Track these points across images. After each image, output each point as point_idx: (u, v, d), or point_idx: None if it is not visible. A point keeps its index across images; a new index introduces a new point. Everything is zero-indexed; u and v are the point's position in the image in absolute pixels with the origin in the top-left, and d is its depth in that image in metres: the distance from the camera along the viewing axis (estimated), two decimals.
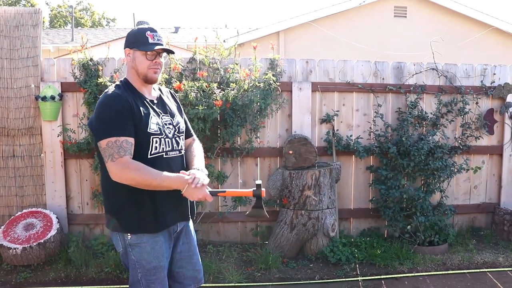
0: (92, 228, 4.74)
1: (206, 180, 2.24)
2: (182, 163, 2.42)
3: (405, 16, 10.21)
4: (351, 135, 5.00)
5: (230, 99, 4.23)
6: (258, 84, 4.43)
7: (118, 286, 3.87)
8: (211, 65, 4.50)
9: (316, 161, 4.67)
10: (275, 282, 4.05)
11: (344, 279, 4.12)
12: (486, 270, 4.33)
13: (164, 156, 2.29)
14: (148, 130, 2.21)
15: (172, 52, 2.37)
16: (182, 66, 4.49)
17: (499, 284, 4.01)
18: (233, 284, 3.96)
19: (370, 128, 5.04)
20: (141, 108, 2.23)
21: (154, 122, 2.25)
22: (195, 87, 4.22)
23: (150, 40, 2.24)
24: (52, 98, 4.40)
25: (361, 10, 10.19)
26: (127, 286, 3.79)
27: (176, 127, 2.40)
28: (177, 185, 2.17)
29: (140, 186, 2.12)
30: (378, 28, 10.06)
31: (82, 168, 4.63)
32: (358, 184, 5.13)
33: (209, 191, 2.24)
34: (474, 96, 5.10)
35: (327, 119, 4.96)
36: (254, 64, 4.48)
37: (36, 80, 4.50)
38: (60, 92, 4.47)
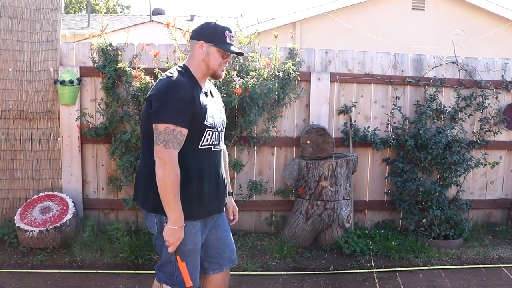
0: (107, 214, 4.76)
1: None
2: (221, 157, 2.48)
3: (423, 9, 10.08)
4: (368, 127, 4.96)
5: (250, 87, 4.21)
6: (277, 73, 4.41)
7: (133, 272, 3.90)
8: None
9: (333, 151, 4.65)
10: (289, 271, 4.05)
11: (358, 271, 4.11)
12: (502, 265, 4.30)
13: (212, 149, 2.35)
14: (205, 123, 2.26)
15: (242, 54, 2.43)
16: None
17: None
18: (248, 273, 3.97)
19: (388, 120, 4.99)
20: (201, 99, 2.26)
21: (211, 115, 2.30)
22: None
23: (228, 40, 2.30)
24: (71, 82, 4.40)
25: (378, 2, 10.07)
26: (142, 271, 3.86)
27: (223, 122, 2.46)
28: (174, 218, 2.17)
29: (160, 185, 2.14)
30: (395, 20, 9.94)
31: (98, 153, 4.65)
32: (374, 176, 5.10)
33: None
34: (494, 90, 5.04)
35: (344, 110, 4.93)
36: (275, 53, 4.44)
37: (55, 64, 4.50)
38: (78, 76, 4.47)
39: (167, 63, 4.22)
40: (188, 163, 2.26)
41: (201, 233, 2.41)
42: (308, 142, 4.56)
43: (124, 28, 6.19)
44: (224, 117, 2.50)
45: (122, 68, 4.23)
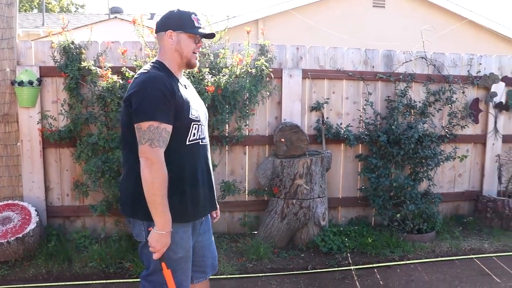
0: (72, 221, 4.50)
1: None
2: (209, 151, 2.37)
3: (384, 6, 10.24)
4: (341, 123, 4.94)
5: (222, 85, 4.08)
6: (250, 70, 4.30)
7: (105, 281, 3.69)
8: (200, 50, 4.32)
9: (307, 149, 4.59)
10: (267, 273, 3.97)
11: (337, 269, 4.08)
12: (473, 256, 4.39)
13: (200, 143, 2.23)
14: (190, 116, 2.13)
15: (214, 35, 2.29)
16: None
17: (486, 270, 4.07)
18: (225, 276, 3.85)
19: (360, 116, 4.99)
20: (182, 92, 2.14)
21: (195, 108, 2.18)
22: (186, 71, 4.05)
23: (196, 24, 2.18)
24: (30, 83, 4.12)
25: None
26: (115, 280, 3.67)
27: (205, 115, 2.35)
28: (162, 223, 2.04)
29: (147, 187, 2.00)
30: (357, 17, 10.05)
31: (62, 158, 4.38)
32: (347, 172, 5.09)
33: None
34: (461, 85, 5.13)
35: (317, 107, 4.88)
36: (247, 50, 4.33)
37: (11, 64, 4.20)
38: (38, 76, 4.20)
39: (135, 61, 4.02)
40: (178, 160, 2.14)
41: (192, 236, 2.29)
42: (283, 140, 4.48)
43: (86, 25, 5.89)
44: (205, 109, 2.38)
45: (87, 67, 3.99)
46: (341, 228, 4.77)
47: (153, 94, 2.02)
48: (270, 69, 4.48)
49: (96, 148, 4.01)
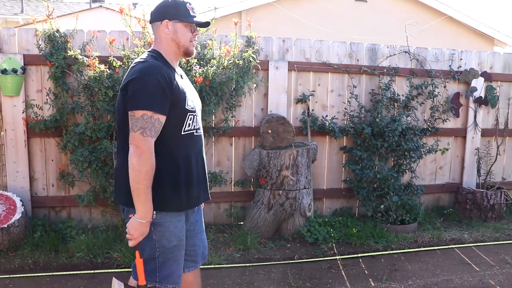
0: (58, 211, 4.46)
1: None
2: (203, 142, 2.38)
3: (366, 1, 10.34)
4: (326, 116, 5.00)
5: (210, 76, 4.08)
6: (237, 62, 4.31)
7: (92, 272, 3.68)
8: None
9: (293, 141, 4.64)
10: (255, 262, 4.01)
11: (323, 258, 4.15)
12: (454, 246, 4.53)
13: (195, 133, 2.23)
14: (186, 107, 2.13)
15: (209, 24, 2.29)
16: None
17: (466, 259, 4.21)
18: (213, 266, 3.88)
19: (345, 109, 5.06)
20: (178, 82, 2.13)
21: (190, 99, 2.18)
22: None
23: (191, 13, 2.18)
24: (14, 71, 4.04)
25: None
26: (102, 271, 3.66)
27: (199, 105, 2.35)
28: (144, 211, 2.05)
29: (133, 174, 2.01)
30: (339, 11, 10.14)
31: (47, 148, 4.32)
32: (331, 164, 5.17)
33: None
34: (443, 79, 5.26)
35: (302, 99, 4.93)
36: (234, 41, 4.34)
37: None
38: (22, 65, 4.12)
39: (123, 50, 3.98)
40: (173, 150, 2.15)
41: (185, 224, 2.31)
42: (269, 131, 4.52)
43: (69, 14, 5.78)
44: (199, 100, 2.39)
45: (73, 56, 3.94)
46: (326, 219, 4.84)
47: (151, 83, 2.02)
48: (258, 61, 4.50)
49: (82, 138, 3.97)
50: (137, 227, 2.07)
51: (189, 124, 2.19)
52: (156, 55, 2.18)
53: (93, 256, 3.87)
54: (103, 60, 4.06)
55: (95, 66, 3.81)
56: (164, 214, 2.13)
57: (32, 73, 4.22)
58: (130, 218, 2.10)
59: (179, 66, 2.39)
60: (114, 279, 2.23)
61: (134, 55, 3.90)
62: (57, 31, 4.11)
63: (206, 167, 2.42)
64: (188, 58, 2.31)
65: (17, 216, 3.95)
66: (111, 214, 4.36)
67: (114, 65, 3.94)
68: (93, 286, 3.45)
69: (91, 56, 3.93)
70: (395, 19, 10.16)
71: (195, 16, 2.20)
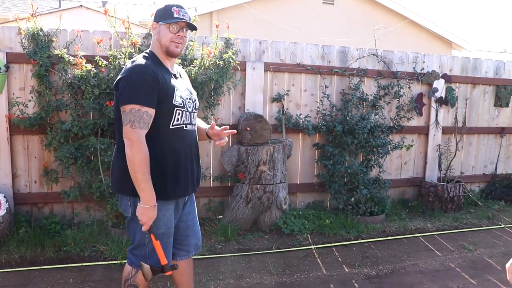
0: (40, 208, 4.52)
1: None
2: (196, 137, 2.55)
3: (333, 3, 10.74)
4: (300, 114, 5.27)
5: (193, 75, 4.26)
6: (218, 62, 4.51)
7: (80, 264, 3.79)
8: None
9: (270, 137, 4.89)
10: (236, 253, 4.23)
11: (299, 248, 4.42)
12: (419, 235, 4.90)
13: (184, 128, 2.40)
14: (173, 102, 2.31)
15: (195, 28, 2.44)
16: (140, 42, 4.41)
17: (430, 246, 4.58)
18: (197, 256, 4.06)
19: (318, 107, 5.35)
20: (167, 80, 2.31)
21: (179, 95, 2.35)
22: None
23: (175, 15, 2.33)
24: None
25: None
26: (90, 263, 3.79)
27: (194, 103, 2.51)
28: (146, 197, 2.23)
29: (129, 164, 2.20)
30: (307, 13, 10.48)
31: (30, 145, 4.38)
32: (305, 160, 5.45)
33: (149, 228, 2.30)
34: (408, 81, 5.64)
35: (278, 98, 5.18)
36: (215, 42, 4.54)
37: None
38: (5, 63, 4.17)
39: (110, 50, 4.10)
40: (162, 143, 2.32)
41: (175, 213, 2.48)
42: (248, 128, 4.74)
43: (51, 12, 5.79)
44: (195, 98, 2.55)
45: (60, 55, 4.03)
46: (300, 212, 5.12)
47: (137, 80, 2.21)
48: (238, 62, 4.72)
49: (68, 135, 4.06)
50: (143, 212, 2.25)
51: (178, 118, 2.36)
52: (148, 55, 2.37)
53: (80, 250, 3.98)
54: (88, 59, 4.16)
55: (82, 65, 3.91)
56: None
57: (15, 71, 4.27)
58: (137, 206, 2.27)
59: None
60: (142, 263, 2.39)
61: (121, 55, 4.03)
62: (41, 30, 4.18)
63: (199, 161, 2.62)
64: (173, 57, 2.44)
65: (2, 212, 4.00)
66: (94, 209, 4.47)
67: (100, 64, 4.06)
68: (83, 278, 3.57)
69: (78, 55, 4.03)
70: (361, 21, 10.64)
71: (178, 18, 2.33)
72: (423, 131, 5.89)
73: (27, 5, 12.80)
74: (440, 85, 5.77)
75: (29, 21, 4.15)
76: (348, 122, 5.14)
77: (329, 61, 5.37)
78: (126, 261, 3.75)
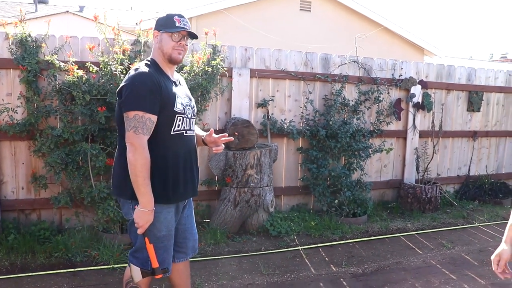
0: (28, 214, 4.49)
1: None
2: (195, 142, 2.64)
3: (310, 11, 10.96)
4: (284, 119, 5.41)
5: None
6: (207, 69, 4.60)
7: (73, 270, 3.80)
8: None
9: (257, 142, 5.00)
10: (226, 255, 4.31)
11: (287, 249, 4.54)
12: (400, 234, 5.10)
13: (184, 134, 2.48)
14: (174, 109, 2.39)
15: (196, 37, 2.51)
16: (129, 49, 4.45)
17: (411, 245, 4.78)
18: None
19: (302, 112, 5.50)
20: (168, 87, 2.39)
21: (180, 102, 2.43)
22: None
23: (177, 24, 2.42)
24: None
25: (270, 1, 10.71)
26: (83, 268, 3.80)
27: (193, 110, 2.60)
28: (144, 201, 2.30)
29: (131, 169, 2.27)
30: (285, 19, 10.67)
31: (17, 151, 4.35)
32: (289, 164, 5.58)
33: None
34: (387, 86, 5.86)
35: (263, 104, 5.31)
36: (204, 50, 4.63)
37: None
38: None
39: (101, 56, 4.13)
40: (163, 148, 2.40)
41: (175, 216, 2.56)
42: (236, 133, 4.84)
43: (45, 16, 5.74)
44: (193, 104, 2.63)
45: (50, 61, 4.04)
46: (286, 215, 5.25)
47: (140, 87, 2.29)
48: (226, 68, 4.82)
49: (58, 141, 4.07)
50: (141, 215, 2.32)
51: (179, 125, 2.45)
52: (150, 63, 2.45)
53: (71, 256, 3.98)
54: (78, 65, 4.17)
55: (74, 71, 3.94)
56: (155, 205, 2.37)
57: (2, 77, 4.24)
58: (135, 209, 2.34)
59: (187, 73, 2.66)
60: (132, 265, 2.46)
61: (113, 61, 4.08)
62: (29, 35, 4.18)
63: (198, 165, 2.70)
64: (175, 65, 2.54)
65: None
66: (84, 214, 4.48)
67: (91, 70, 4.09)
68: (77, 283, 3.59)
69: (69, 61, 4.05)
70: (337, 28, 10.90)
71: (179, 27, 2.42)
72: (402, 135, 6.13)
73: (3, 9, 12.57)
74: (417, 90, 6.02)
75: (16, 27, 4.14)
76: (331, 127, 5.31)
77: (312, 68, 5.54)
78: (118, 265, 3.85)
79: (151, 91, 2.29)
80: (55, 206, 4.24)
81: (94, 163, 4.09)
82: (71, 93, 4.03)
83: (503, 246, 1.96)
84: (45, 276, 3.68)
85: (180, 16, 2.46)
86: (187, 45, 2.50)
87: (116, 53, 4.10)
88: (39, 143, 4.13)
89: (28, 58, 4.13)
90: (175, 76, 2.58)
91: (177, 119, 2.42)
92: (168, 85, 2.42)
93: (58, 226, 4.52)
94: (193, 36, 2.52)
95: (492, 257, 2.00)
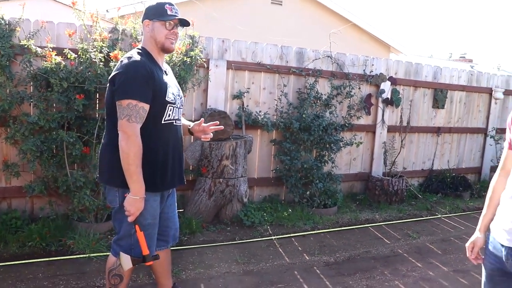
0: None
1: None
2: (181, 132, 2.69)
3: (281, 4, 11.04)
4: (259, 111, 5.49)
5: None
6: (185, 59, 4.60)
7: (48, 259, 3.76)
8: (138, 37, 4.50)
9: (232, 133, 5.06)
10: (201, 244, 4.37)
11: (261, 239, 4.64)
12: (368, 225, 5.31)
13: (174, 123, 2.52)
14: (166, 99, 2.42)
15: (188, 24, 2.53)
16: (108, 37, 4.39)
17: (379, 235, 4.99)
18: None
19: (276, 105, 5.59)
20: (160, 76, 2.42)
21: (171, 92, 2.47)
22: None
23: (169, 12, 2.45)
24: None
25: None
26: (58, 258, 3.77)
27: (181, 100, 2.64)
28: (136, 189, 2.33)
29: (123, 157, 2.30)
30: (257, 12, 10.70)
31: None
32: (262, 155, 5.68)
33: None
34: (358, 82, 6.03)
35: (238, 96, 5.36)
36: (184, 40, 4.63)
37: None
38: None
39: (80, 43, 4.06)
40: (153, 137, 2.44)
41: (160, 205, 2.60)
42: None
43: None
44: (181, 94, 2.67)
45: (26, 46, 3.94)
46: (258, 205, 5.35)
47: (134, 76, 2.32)
48: (204, 59, 4.84)
49: (33, 128, 3.98)
50: (132, 203, 2.35)
51: (169, 114, 2.49)
52: (142, 52, 2.46)
53: (46, 245, 3.93)
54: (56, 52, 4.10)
55: (52, 57, 3.86)
56: None
57: None
58: (126, 196, 2.36)
59: (166, 63, 2.69)
60: (121, 253, 2.48)
61: (92, 49, 4.02)
62: (2, 18, 4.05)
63: (183, 155, 2.75)
64: (167, 53, 2.58)
65: None
66: (57, 203, 4.41)
67: (69, 57, 4.02)
68: (52, 273, 3.56)
69: (46, 47, 3.96)
70: (307, 22, 11.04)
71: (172, 15, 2.46)
72: (371, 129, 6.33)
73: None
74: (386, 86, 6.23)
75: None
76: (304, 120, 5.43)
77: (287, 61, 5.63)
78: (94, 254, 3.84)
79: (145, 79, 2.32)
80: (28, 195, 4.16)
81: (71, 152, 4.04)
82: (47, 79, 3.95)
83: (477, 234, 2.12)
84: (19, 265, 3.62)
85: (170, 4, 2.49)
86: (178, 33, 2.53)
87: (96, 41, 4.04)
88: (13, 130, 4.02)
89: (1, 41, 4.01)
90: (164, 65, 2.61)
91: (168, 108, 2.46)
92: (159, 74, 2.45)
93: (30, 215, 4.43)
94: (185, 23, 2.55)
95: (467, 244, 2.16)
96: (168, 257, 2.93)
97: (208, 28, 9.95)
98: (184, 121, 2.84)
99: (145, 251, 2.43)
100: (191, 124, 2.81)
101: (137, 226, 2.41)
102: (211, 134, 2.75)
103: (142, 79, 2.31)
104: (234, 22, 10.21)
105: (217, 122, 2.75)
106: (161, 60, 2.56)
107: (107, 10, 9.21)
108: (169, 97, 2.46)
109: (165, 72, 2.56)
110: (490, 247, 1.99)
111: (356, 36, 11.68)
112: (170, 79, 2.59)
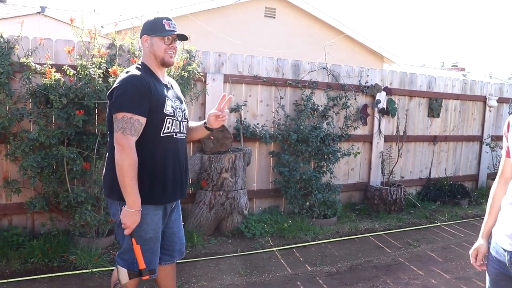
0: None
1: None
2: (186, 145, 2.69)
3: (274, 17, 11.17)
4: (257, 124, 5.53)
5: None
6: (183, 74, 4.65)
7: (50, 275, 3.75)
8: (135, 52, 4.55)
9: (231, 146, 5.09)
10: (203, 257, 4.37)
11: (262, 250, 4.65)
12: (369, 234, 5.32)
13: (174, 136, 2.54)
14: (164, 111, 2.44)
15: (186, 38, 2.57)
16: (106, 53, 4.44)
17: (380, 244, 5.01)
18: None
19: (274, 117, 5.64)
20: (158, 90, 2.45)
21: (169, 105, 2.49)
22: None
23: (167, 27, 2.49)
24: None
25: (236, 7, 10.83)
26: (60, 273, 3.77)
27: (184, 113, 2.65)
28: (131, 201, 2.34)
29: (118, 169, 2.32)
30: (250, 25, 10.83)
31: None
32: (261, 167, 5.70)
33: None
34: (354, 92, 6.10)
35: (236, 109, 5.41)
36: (181, 55, 4.68)
37: None
38: None
39: (79, 60, 4.10)
40: (152, 150, 2.45)
41: (163, 219, 2.60)
42: (212, 137, 4.92)
43: (6, 18, 5.55)
44: (184, 107, 2.68)
45: (25, 64, 3.98)
46: (259, 217, 5.36)
47: (130, 90, 2.35)
48: (202, 73, 4.89)
49: (34, 144, 4.00)
50: (127, 215, 2.36)
51: (168, 127, 2.50)
52: (141, 67, 2.50)
53: (48, 261, 3.92)
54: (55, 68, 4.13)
55: (51, 74, 3.89)
56: (143, 206, 2.41)
57: None
58: (122, 209, 2.37)
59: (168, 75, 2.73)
60: (119, 267, 2.49)
61: (91, 65, 4.06)
62: (1, 36, 4.09)
63: (188, 167, 2.77)
64: (167, 67, 2.62)
65: None
66: (58, 219, 4.40)
67: (68, 73, 4.06)
68: None
69: (45, 64, 4.00)
70: (301, 35, 11.17)
71: (170, 30, 2.50)
72: (368, 139, 6.38)
73: None
74: (382, 97, 6.30)
75: None
76: (302, 131, 5.48)
77: (283, 74, 5.70)
78: (97, 269, 3.84)
79: (140, 93, 2.35)
80: (29, 211, 4.15)
81: (71, 167, 4.05)
82: (46, 96, 3.98)
83: (480, 241, 2.15)
84: (22, 282, 3.61)
85: (168, 19, 2.53)
86: (177, 47, 2.57)
87: (95, 57, 4.09)
88: (13, 147, 4.04)
89: (0, 59, 4.04)
90: (166, 79, 2.64)
91: (166, 121, 2.48)
92: (158, 87, 2.47)
93: (31, 231, 4.43)
94: (183, 37, 2.60)
95: (470, 251, 2.19)
96: (173, 271, 2.92)
97: (203, 42, 10.07)
98: (197, 124, 2.83)
99: (141, 265, 2.42)
100: (205, 120, 2.73)
101: (133, 240, 2.41)
102: (227, 110, 2.73)
103: (137, 93, 2.34)
104: (229, 35, 10.32)
105: (231, 96, 2.75)
106: (162, 74, 2.59)
107: (102, 26, 9.29)
108: (167, 109, 2.47)
109: (166, 85, 2.59)
110: (493, 253, 2.02)
111: (349, 47, 11.82)
112: (172, 93, 2.61)
